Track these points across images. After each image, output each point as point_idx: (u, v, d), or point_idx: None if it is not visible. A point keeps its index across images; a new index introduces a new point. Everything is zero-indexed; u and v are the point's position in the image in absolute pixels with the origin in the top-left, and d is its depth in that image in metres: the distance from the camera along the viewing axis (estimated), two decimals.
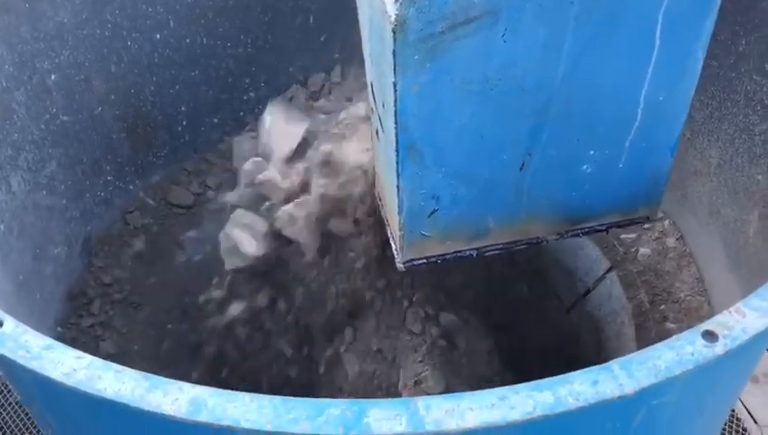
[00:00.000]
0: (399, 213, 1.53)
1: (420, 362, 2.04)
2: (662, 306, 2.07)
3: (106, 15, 2.21)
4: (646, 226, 2.19)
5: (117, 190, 2.40)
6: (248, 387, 0.95)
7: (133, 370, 0.94)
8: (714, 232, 2.02)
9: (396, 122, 1.36)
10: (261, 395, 0.91)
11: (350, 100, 2.28)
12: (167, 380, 0.93)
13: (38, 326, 1.05)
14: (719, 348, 0.96)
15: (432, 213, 1.55)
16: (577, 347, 2.32)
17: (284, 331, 2.25)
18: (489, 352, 2.26)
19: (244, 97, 2.67)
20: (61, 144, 2.13)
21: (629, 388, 0.91)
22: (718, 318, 1.00)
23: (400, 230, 1.57)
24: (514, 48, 1.31)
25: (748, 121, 1.87)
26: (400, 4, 1.19)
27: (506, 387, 0.91)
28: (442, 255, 1.65)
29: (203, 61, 2.51)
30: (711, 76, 1.93)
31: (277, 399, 0.90)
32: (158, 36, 2.37)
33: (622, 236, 2.24)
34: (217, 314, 2.31)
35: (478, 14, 1.25)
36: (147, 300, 2.31)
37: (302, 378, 2.22)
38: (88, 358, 0.97)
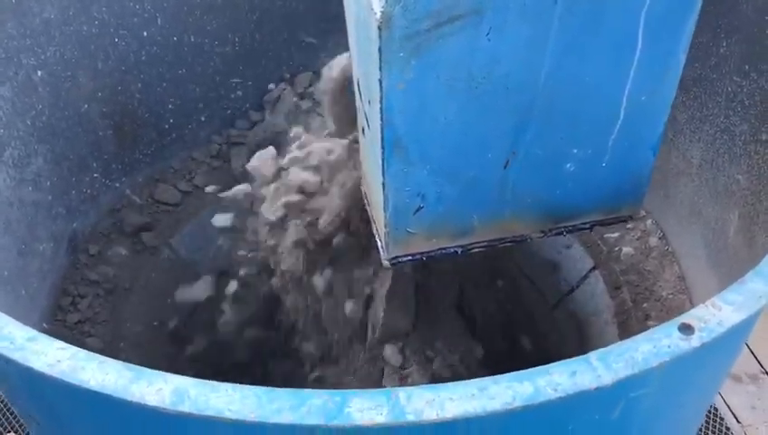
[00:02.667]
0: (385, 210, 1.54)
1: (405, 360, 2.05)
2: (645, 305, 2.09)
3: (93, 12, 2.21)
4: (629, 225, 2.21)
5: (103, 187, 2.39)
6: None
7: (117, 361, 0.95)
8: (695, 231, 2.04)
9: (382, 119, 1.38)
10: (244, 386, 0.92)
11: None
12: (150, 370, 0.93)
13: (23, 322, 1.05)
14: (695, 340, 0.98)
15: (417, 210, 1.57)
16: (560, 345, 2.33)
17: (270, 327, 2.26)
18: (473, 349, 2.28)
19: (232, 95, 2.67)
20: (47, 140, 2.12)
21: (607, 379, 0.93)
22: (695, 312, 1.02)
23: (386, 227, 1.58)
24: (498, 47, 1.33)
25: (729, 122, 1.89)
26: (386, 1, 1.21)
27: (486, 378, 0.92)
28: (427, 252, 1.66)
29: (190, 59, 2.51)
30: (693, 77, 1.95)
31: (260, 389, 0.91)
32: (145, 34, 2.37)
33: (606, 235, 2.26)
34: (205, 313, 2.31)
35: (463, 12, 1.26)
36: (133, 297, 2.31)
37: (288, 374, 2.22)
38: (72, 349, 0.97)
